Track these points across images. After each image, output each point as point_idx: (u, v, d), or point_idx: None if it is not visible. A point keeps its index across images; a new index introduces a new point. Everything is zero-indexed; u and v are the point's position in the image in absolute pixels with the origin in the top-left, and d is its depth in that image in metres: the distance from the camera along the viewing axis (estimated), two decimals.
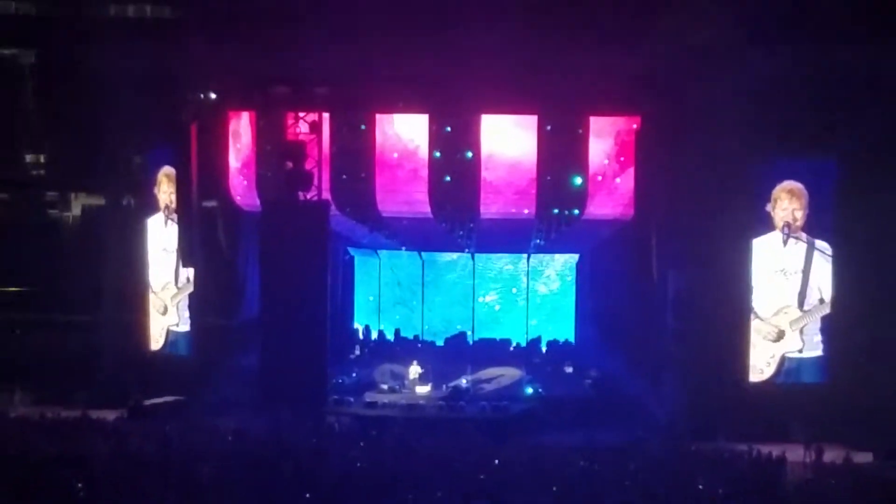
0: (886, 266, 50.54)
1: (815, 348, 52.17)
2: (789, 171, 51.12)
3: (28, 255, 59.47)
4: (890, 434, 46.61)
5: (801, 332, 52.19)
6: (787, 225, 51.46)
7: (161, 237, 56.76)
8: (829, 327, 51.76)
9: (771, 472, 41.54)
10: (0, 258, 59.23)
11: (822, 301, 52.20)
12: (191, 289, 55.85)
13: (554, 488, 35.35)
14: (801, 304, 52.27)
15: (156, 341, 57.45)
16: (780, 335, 52.03)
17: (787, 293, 52.20)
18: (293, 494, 32.98)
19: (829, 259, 51.54)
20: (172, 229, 55.49)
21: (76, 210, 64.01)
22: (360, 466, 37.84)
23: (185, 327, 56.43)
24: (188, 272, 55.69)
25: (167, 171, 55.32)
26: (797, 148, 49.91)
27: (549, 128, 52.70)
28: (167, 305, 57.11)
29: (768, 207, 51.17)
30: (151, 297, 57.49)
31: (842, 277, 51.26)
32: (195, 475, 35.28)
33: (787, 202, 51.23)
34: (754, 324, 51.87)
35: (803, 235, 51.73)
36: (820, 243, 51.76)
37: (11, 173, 62.26)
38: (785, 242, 51.76)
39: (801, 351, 52.18)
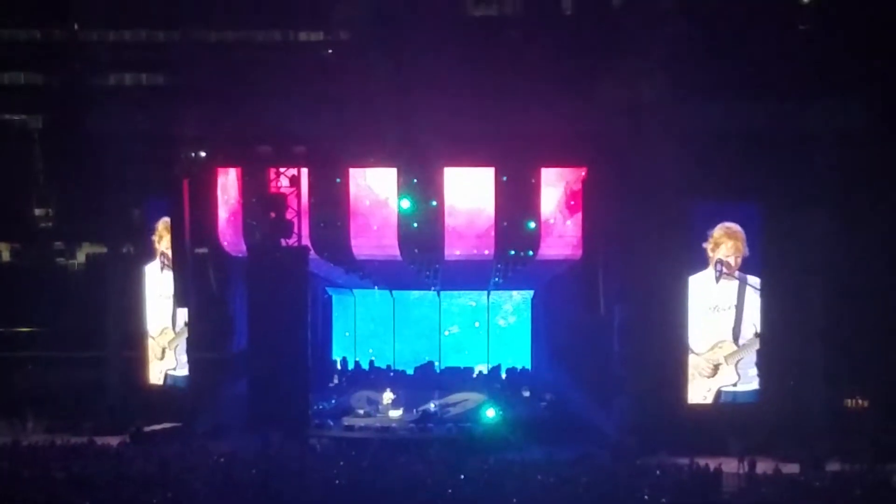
0: (808, 297, 50.79)
1: (749, 382, 52.06)
2: (721, 214, 51.18)
3: (38, 299, 59.32)
4: (815, 447, 46.74)
5: (737, 366, 51.87)
6: (720, 262, 51.33)
7: (158, 284, 56.35)
8: (761, 355, 51.71)
9: (709, 483, 41.48)
10: (13, 302, 59.10)
11: (756, 335, 51.85)
12: (186, 334, 55.40)
13: (514, 500, 35.14)
14: (735, 338, 52.13)
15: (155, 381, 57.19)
16: (716, 370, 51.75)
17: (721, 328, 52.01)
18: None
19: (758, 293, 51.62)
20: (169, 276, 54.99)
21: (81, 258, 63.89)
22: (339, 483, 37.56)
23: (182, 371, 56.04)
24: (183, 317, 55.34)
25: (165, 221, 54.95)
26: (728, 193, 50.09)
27: (504, 178, 52.52)
28: (165, 350, 56.68)
29: (706, 245, 51.17)
30: (150, 342, 57.10)
31: (769, 309, 51.43)
32: (191, 493, 34.98)
33: (726, 241, 51.27)
34: (691, 359, 51.50)
35: (735, 272, 51.62)
36: (752, 279, 51.65)
37: (22, 226, 62.16)
38: (717, 279, 51.57)
39: (735, 385, 51.90)
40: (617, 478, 41.04)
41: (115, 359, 57.22)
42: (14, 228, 62.50)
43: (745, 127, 48.93)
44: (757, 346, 51.96)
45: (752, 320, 52.04)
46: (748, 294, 51.97)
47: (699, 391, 51.55)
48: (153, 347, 57.09)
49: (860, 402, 51.07)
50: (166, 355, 56.65)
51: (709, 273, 51.53)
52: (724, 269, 51.59)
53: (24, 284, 59.87)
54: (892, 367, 48.89)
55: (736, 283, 51.80)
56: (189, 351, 55.29)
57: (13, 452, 45.64)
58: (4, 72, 62.99)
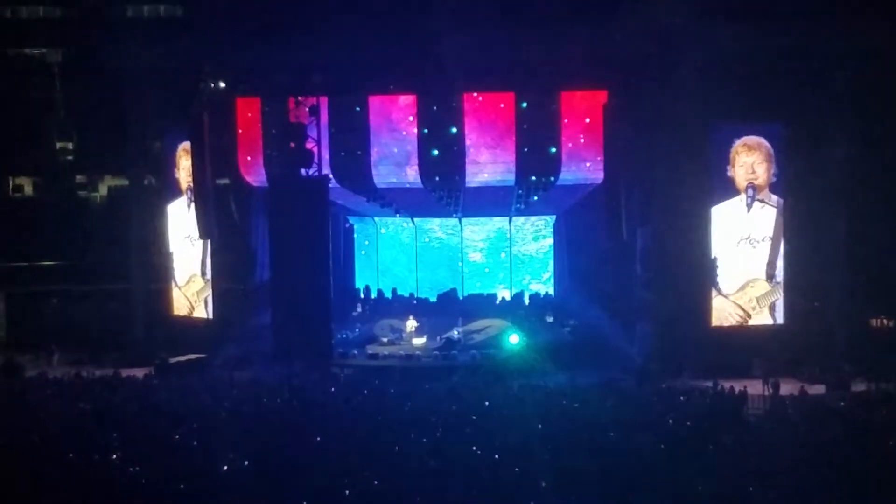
0: (831, 218, 50.30)
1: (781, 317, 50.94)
2: (742, 133, 50.42)
3: (61, 233, 59.29)
4: (840, 368, 46.56)
5: (771, 309, 50.56)
6: (752, 186, 50.00)
7: (184, 224, 56.11)
8: (786, 277, 50.78)
9: (733, 406, 41.29)
10: (36, 236, 59.15)
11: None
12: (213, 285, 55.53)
13: (539, 426, 34.99)
14: (769, 276, 50.64)
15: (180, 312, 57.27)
16: (747, 317, 50.51)
17: (754, 265, 50.68)
18: (305, 437, 32.61)
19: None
20: (193, 215, 54.84)
21: (103, 191, 63.77)
22: (363, 411, 37.49)
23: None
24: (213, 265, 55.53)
25: (185, 146, 54.67)
26: (750, 113, 49.38)
27: (524, 104, 52.37)
28: (193, 305, 56.48)
29: (730, 171, 50.20)
30: (176, 294, 57.02)
31: (792, 231, 50.80)
32: (216, 423, 35.01)
33: (746, 157, 49.96)
34: (719, 302, 50.57)
35: (772, 198, 50.24)
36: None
37: (44, 160, 62.08)
38: (749, 206, 50.24)
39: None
40: (641, 402, 40.86)
41: (139, 291, 57.31)
42: (36, 162, 62.43)
43: (767, 48, 48.12)
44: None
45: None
46: (786, 223, 50.34)
47: (726, 311, 50.97)
48: (179, 301, 56.92)
49: (885, 321, 50.73)
50: (195, 311, 56.34)
51: (737, 201, 50.24)
52: (756, 195, 50.17)
53: (46, 218, 59.80)
54: None
55: (773, 210, 50.23)
56: (212, 282, 55.45)
57: (39, 385, 45.74)
58: (23, 5, 62.60)
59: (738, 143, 50.17)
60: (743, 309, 50.61)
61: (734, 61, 47.93)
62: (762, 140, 50.22)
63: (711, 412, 39.44)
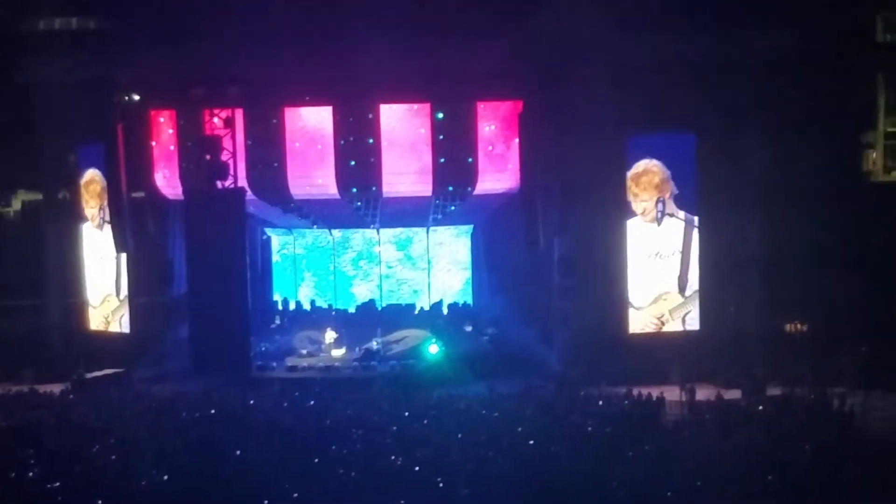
0: (746, 225, 50.92)
1: (694, 326, 51.45)
2: (651, 147, 50.68)
3: None
4: (756, 373, 47.23)
5: (684, 319, 51.17)
6: (660, 201, 50.49)
7: (95, 243, 55.86)
8: (701, 283, 51.21)
9: (651, 411, 41.86)
10: None
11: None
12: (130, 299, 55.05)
13: (459, 435, 35.35)
14: (682, 289, 51.21)
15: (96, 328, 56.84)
16: (661, 325, 51.02)
17: (665, 278, 51.20)
18: (225, 451, 32.72)
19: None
20: (107, 234, 54.57)
21: (16, 205, 63.11)
22: (283, 424, 37.62)
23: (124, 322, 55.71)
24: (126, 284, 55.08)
25: (94, 173, 54.79)
26: (661, 125, 49.95)
27: (440, 114, 52.68)
28: (109, 322, 56.02)
29: (630, 195, 50.74)
30: (91, 312, 56.62)
31: (706, 240, 51.20)
32: (135, 438, 34.97)
33: (646, 178, 50.51)
34: (634, 314, 50.99)
35: (679, 212, 50.80)
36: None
37: None
38: (659, 221, 50.73)
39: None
40: (560, 410, 41.29)
41: (54, 307, 56.79)
42: None
43: (678, 58, 48.84)
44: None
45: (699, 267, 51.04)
46: (695, 237, 50.93)
47: (640, 322, 51.53)
48: (95, 317, 56.49)
49: (799, 326, 51.50)
50: (111, 325, 55.84)
51: (649, 214, 50.76)
52: (665, 209, 50.64)
53: None
54: (831, 291, 49.29)
55: (681, 224, 50.81)
56: (129, 296, 55.12)
57: None
58: None
59: (640, 164, 50.60)
60: (658, 319, 51.20)
61: (646, 72, 48.57)
62: (657, 163, 50.73)
63: (629, 418, 40.03)
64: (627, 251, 50.88)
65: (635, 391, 43.95)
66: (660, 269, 51.25)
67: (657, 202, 50.72)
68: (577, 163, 49.63)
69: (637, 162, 50.64)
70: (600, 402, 42.58)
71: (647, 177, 50.59)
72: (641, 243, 51.08)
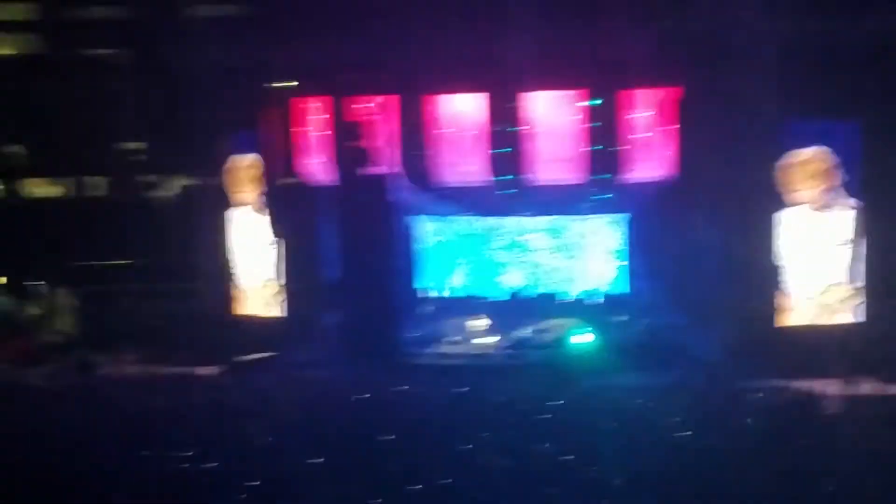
0: None
1: (859, 318, 49.50)
2: (816, 134, 49.44)
3: (130, 232, 59.86)
4: None
5: (850, 311, 49.28)
6: (828, 190, 48.59)
7: (256, 229, 56.34)
8: (867, 276, 49.17)
9: (809, 404, 40.94)
10: (105, 235, 59.75)
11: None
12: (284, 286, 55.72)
13: (612, 424, 34.99)
14: (848, 279, 49.28)
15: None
16: (825, 317, 49.28)
17: (831, 269, 49.49)
18: (376, 436, 32.81)
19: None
20: (266, 219, 55.21)
21: (171, 191, 64.30)
22: (433, 411, 37.62)
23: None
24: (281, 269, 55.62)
25: (251, 158, 55.28)
26: (826, 112, 48.81)
27: (595, 101, 52.28)
28: (264, 306, 56.54)
29: (794, 169, 49.60)
30: (246, 296, 57.16)
31: (872, 231, 49.64)
32: (289, 422, 35.29)
33: (812, 166, 49.05)
34: (795, 305, 49.49)
35: (849, 201, 48.94)
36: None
37: (114, 160, 62.71)
38: (826, 210, 49.09)
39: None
40: (715, 402, 40.65)
41: (209, 290, 57.64)
42: (106, 162, 63.10)
43: (843, 41, 47.76)
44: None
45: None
46: (863, 227, 48.86)
47: (802, 314, 50.08)
48: (250, 301, 57.00)
49: None
50: (266, 311, 56.30)
51: (813, 201, 49.20)
52: (833, 198, 48.73)
53: (115, 217, 60.48)
54: None
55: (850, 213, 48.97)
56: (284, 283, 55.75)
57: (112, 383, 46.22)
58: (91, 6, 63.37)
59: (799, 157, 49.51)
60: (822, 310, 49.71)
61: (810, 56, 47.44)
62: (820, 150, 49.38)
63: (788, 412, 39.23)
64: (790, 241, 49.76)
65: (794, 385, 43.12)
66: (826, 260, 49.56)
67: (824, 190, 49.19)
68: (736, 150, 48.71)
69: (802, 149, 49.23)
70: (756, 395, 41.83)
71: (813, 164, 48.99)
72: (806, 233, 49.57)
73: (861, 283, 49.64)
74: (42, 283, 57.63)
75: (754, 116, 48.07)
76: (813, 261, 49.85)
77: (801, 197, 49.49)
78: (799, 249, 49.75)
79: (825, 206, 49.44)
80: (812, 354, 47.59)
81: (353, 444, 31.82)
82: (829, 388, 43.37)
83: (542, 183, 53.26)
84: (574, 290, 59.50)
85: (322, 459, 29.89)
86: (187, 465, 30.07)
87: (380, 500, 27.55)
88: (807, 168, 49.42)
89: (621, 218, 59.52)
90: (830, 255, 49.74)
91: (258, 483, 28.13)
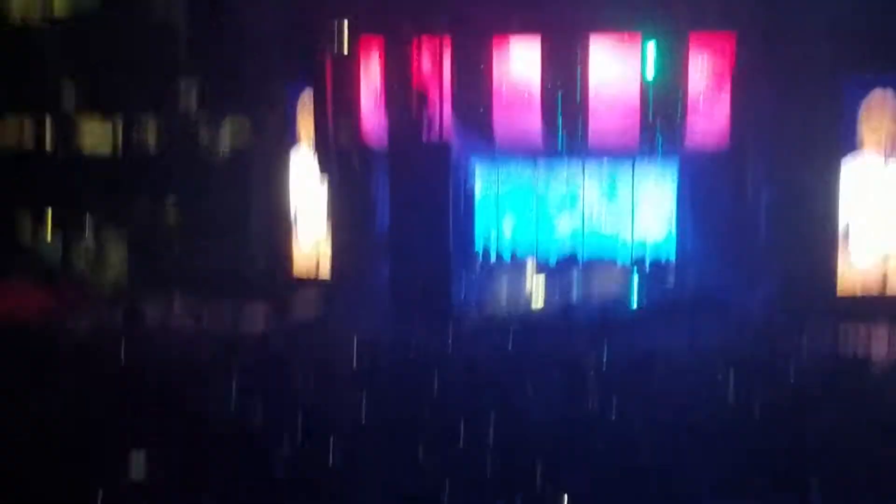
0: None
1: None
2: (875, 85, 49.03)
3: (181, 177, 59.71)
4: None
5: None
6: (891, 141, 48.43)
7: (305, 177, 56.52)
8: None
9: (860, 369, 40.78)
10: (156, 181, 59.67)
11: None
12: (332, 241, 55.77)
13: (661, 385, 35.15)
14: None
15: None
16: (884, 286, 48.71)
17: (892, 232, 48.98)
18: (424, 394, 33.05)
19: None
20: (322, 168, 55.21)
21: (226, 140, 63.99)
22: (482, 370, 37.78)
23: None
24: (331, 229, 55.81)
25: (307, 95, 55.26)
26: (888, 64, 48.15)
27: (652, 44, 51.41)
28: (314, 260, 56.65)
29: (860, 130, 49.02)
30: (298, 255, 57.30)
31: None
32: (335, 377, 35.57)
33: (880, 113, 48.84)
34: (851, 272, 49.29)
35: None
36: None
37: (165, 99, 62.26)
38: (888, 165, 48.50)
39: None
40: (764, 364, 40.58)
41: (259, 242, 57.93)
42: (157, 100, 62.62)
43: None
44: None
45: None
46: None
47: (858, 282, 49.66)
48: (301, 260, 57.11)
49: None
50: (316, 263, 56.53)
51: (872, 157, 48.94)
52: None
53: (166, 162, 60.36)
54: None
55: None
56: (332, 238, 55.76)
57: (160, 332, 46.61)
58: None
59: (867, 100, 48.73)
60: (882, 278, 49.15)
61: (871, 7, 46.85)
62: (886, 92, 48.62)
63: (837, 376, 39.04)
64: (845, 203, 49.11)
65: (843, 348, 42.88)
66: (886, 221, 49.05)
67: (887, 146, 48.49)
68: (791, 106, 48.26)
69: (865, 97, 48.63)
70: (806, 359, 41.63)
71: (880, 110, 48.34)
72: (866, 191, 49.01)
73: None
74: (91, 230, 58.03)
75: (815, 66, 47.46)
76: (873, 226, 49.22)
77: (868, 145, 48.73)
78: (860, 214, 49.12)
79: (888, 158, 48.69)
80: (865, 317, 47.18)
81: (400, 401, 32.00)
82: (881, 351, 43.23)
83: (592, 141, 52.74)
84: (628, 247, 59.28)
85: (372, 418, 30.07)
86: (231, 420, 30.34)
87: (432, 457, 27.77)
88: (873, 114, 48.66)
89: (674, 178, 59.39)
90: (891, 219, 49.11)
91: (306, 440, 28.36)
